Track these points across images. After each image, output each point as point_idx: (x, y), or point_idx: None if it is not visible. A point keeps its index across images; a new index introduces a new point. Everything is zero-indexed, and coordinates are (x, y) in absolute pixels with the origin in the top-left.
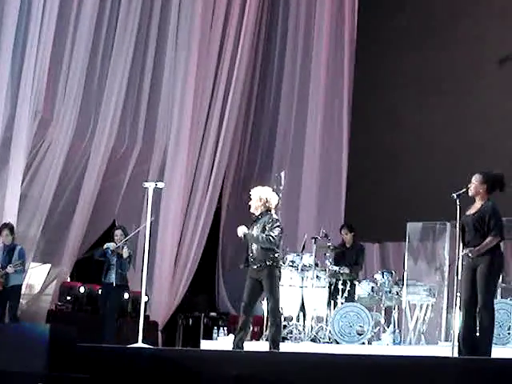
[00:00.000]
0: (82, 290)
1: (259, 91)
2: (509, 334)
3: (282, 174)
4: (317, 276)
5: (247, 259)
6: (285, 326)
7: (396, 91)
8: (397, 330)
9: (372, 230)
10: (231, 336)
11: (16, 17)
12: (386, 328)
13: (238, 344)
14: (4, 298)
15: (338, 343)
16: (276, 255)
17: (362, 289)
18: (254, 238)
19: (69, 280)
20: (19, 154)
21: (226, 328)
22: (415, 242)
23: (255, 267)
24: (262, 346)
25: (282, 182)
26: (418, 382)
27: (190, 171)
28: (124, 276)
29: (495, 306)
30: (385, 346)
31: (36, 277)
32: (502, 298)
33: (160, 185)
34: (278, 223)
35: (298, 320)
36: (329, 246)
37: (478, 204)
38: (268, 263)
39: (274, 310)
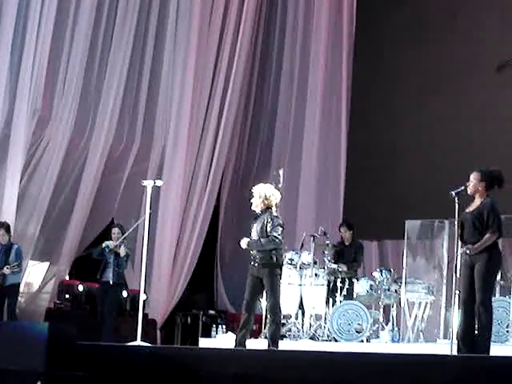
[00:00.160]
0: (80, 288)
1: (257, 88)
2: (507, 331)
3: (281, 171)
4: (315, 274)
5: None
6: (283, 324)
7: (395, 89)
8: (395, 328)
9: (370, 228)
10: (230, 334)
11: (14, 14)
12: (384, 326)
13: (241, 342)
14: (2, 297)
15: (336, 341)
16: (278, 253)
17: (361, 287)
18: (258, 245)
19: (67, 278)
20: (17, 152)
21: (224, 326)
22: (414, 239)
23: (256, 265)
24: (261, 343)
25: (281, 180)
26: (417, 380)
27: (188, 169)
28: (121, 274)
29: (494, 303)
30: (383, 344)
31: (34, 275)
32: (500, 295)
33: (158, 183)
34: (278, 221)
35: (296, 318)
36: (327, 244)
37: (477, 201)
38: (269, 261)
39: (274, 308)
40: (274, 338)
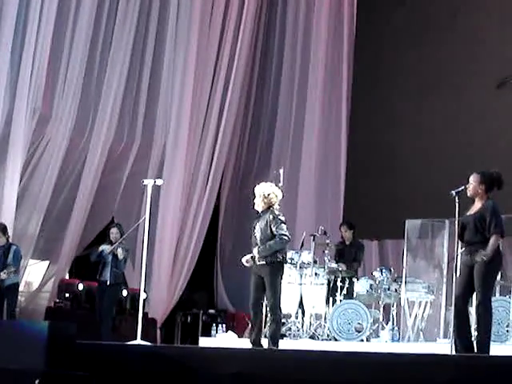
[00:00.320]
0: (80, 287)
1: (258, 88)
2: (507, 331)
3: (281, 171)
4: (315, 273)
5: None
6: (283, 323)
7: (395, 88)
8: (395, 327)
9: (371, 228)
10: (230, 333)
11: (15, 13)
12: (384, 325)
13: (255, 342)
14: (1, 296)
15: (336, 340)
16: (281, 251)
17: (361, 286)
18: (268, 249)
19: (67, 277)
20: (17, 151)
21: (224, 325)
22: (414, 239)
23: (258, 264)
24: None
25: (281, 179)
26: (417, 380)
27: (188, 168)
28: (119, 275)
29: (494, 303)
30: (383, 343)
31: (34, 274)
32: (500, 295)
33: (159, 182)
34: (281, 219)
35: (296, 317)
36: (327, 244)
37: (477, 204)
38: (270, 260)
39: (274, 308)
40: (274, 338)
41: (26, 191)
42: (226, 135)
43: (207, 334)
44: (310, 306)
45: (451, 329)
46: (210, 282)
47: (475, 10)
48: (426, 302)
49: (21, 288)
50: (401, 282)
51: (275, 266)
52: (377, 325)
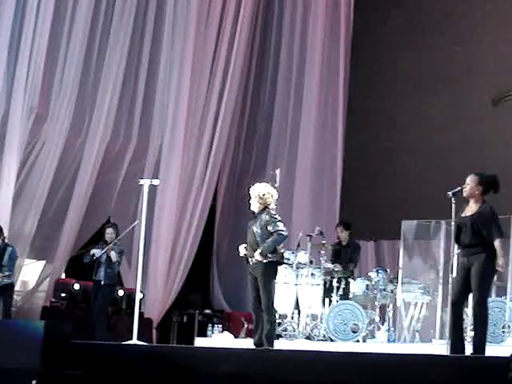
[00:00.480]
0: (76, 286)
1: (254, 88)
2: (503, 332)
3: (277, 171)
4: (311, 274)
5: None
6: (279, 324)
7: (392, 89)
8: (391, 328)
9: (367, 228)
10: (226, 333)
11: (12, 12)
12: (380, 326)
13: (258, 343)
14: None
15: (332, 341)
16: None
17: (357, 286)
18: (268, 248)
19: (63, 277)
20: (13, 150)
21: (220, 325)
22: (410, 240)
23: (251, 264)
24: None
25: (277, 180)
26: (413, 380)
27: (185, 168)
28: (113, 275)
29: (490, 304)
30: (379, 344)
31: (30, 273)
32: (496, 296)
33: (155, 182)
34: (277, 217)
35: (292, 317)
36: (323, 244)
37: (473, 206)
38: (262, 260)
39: (268, 308)
40: (269, 338)
41: (22, 191)
42: (223, 135)
43: (203, 334)
44: (306, 307)
45: (447, 330)
46: (206, 282)
47: (471, 12)
48: (422, 303)
49: (17, 287)
50: (397, 282)
51: (268, 266)
52: (373, 325)
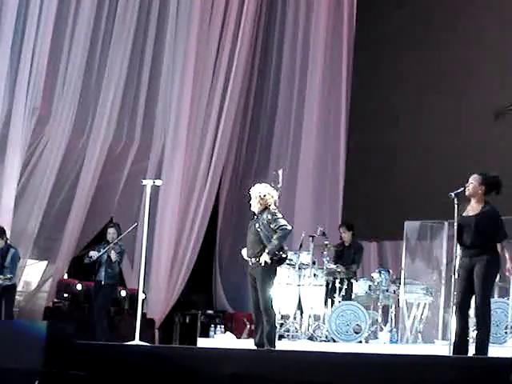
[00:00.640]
0: (79, 287)
1: (257, 88)
2: (506, 333)
3: (280, 171)
4: (314, 274)
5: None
6: (282, 324)
7: (394, 89)
8: (394, 329)
9: (370, 229)
10: (228, 334)
11: (15, 12)
12: (383, 327)
13: (259, 344)
14: None
15: (334, 341)
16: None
17: (360, 287)
18: (275, 246)
19: (66, 277)
20: (16, 150)
21: (222, 326)
22: (413, 240)
23: (251, 264)
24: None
25: (280, 180)
26: (415, 381)
27: (187, 168)
28: (113, 275)
29: (492, 305)
30: (382, 345)
31: (33, 274)
32: (499, 297)
33: (158, 182)
34: (278, 215)
35: (295, 318)
36: (326, 245)
37: (476, 206)
38: (260, 261)
39: (267, 309)
40: (270, 338)
41: (25, 192)
42: (225, 135)
43: (205, 334)
44: (309, 307)
45: (450, 330)
46: (208, 283)
47: (475, 11)
48: (425, 304)
49: (19, 288)
50: (399, 283)
51: (267, 268)
52: (375, 326)
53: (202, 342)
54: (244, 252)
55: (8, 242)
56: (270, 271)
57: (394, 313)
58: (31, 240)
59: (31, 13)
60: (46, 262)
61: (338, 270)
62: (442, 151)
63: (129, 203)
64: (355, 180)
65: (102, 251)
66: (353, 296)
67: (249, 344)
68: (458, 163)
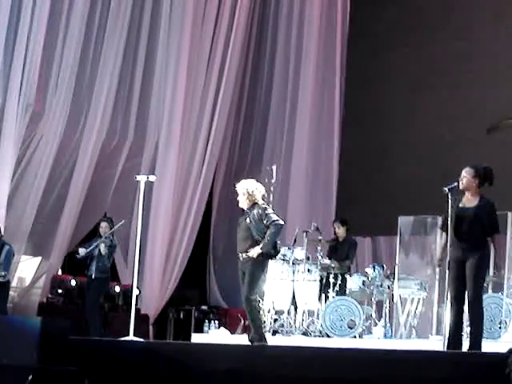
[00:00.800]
0: (73, 282)
1: (251, 84)
2: (500, 328)
3: (274, 167)
4: (308, 269)
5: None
6: (276, 320)
7: (387, 86)
8: (388, 324)
9: (363, 224)
10: (222, 329)
11: (8, 9)
12: (377, 322)
13: (253, 338)
14: None
15: (329, 337)
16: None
17: (354, 282)
18: (269, 242)
19: (60, 273)
20: (9, 147)
21: (217, 321)
22: (407, 235)
23: (241, 259)
24: None
25: (274, 176)
26: (409, 376)
27: (181, 165)
28: (104, 269)
29: (487, 300)
30: (376, 340)
31: (27, 270)
32: (493, 292)
33: (152, 178)
34: (269, 209)
35: (289, 313)
36: (320, 240)
37: (472, 198)
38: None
39: (248, 300)
40: (258, 336)
41: (18, 188)
42: (219, 132)
43: (200, 330)
44: (303, 303)
45: (444, 325)
46: (202, 279)
47: (469, 7)
48: (419, 299)
49: (13, 284)
50: (393, 278)
51: (258, 261)
52: (369, 321)
53: (196, 338)
54: (255, 251)
55: (2, 238)
56: (260, 266)
57: (388, 308)
58: (25, 236)
59: (25, 9)
60: (39, 258)
61: (332, 265)
62: (435, 146)
63: (122, 200)
64: (349, 175)
65: (93, 245)
66: (347, 291)
67: (243, 339)
68: (452, 158)
